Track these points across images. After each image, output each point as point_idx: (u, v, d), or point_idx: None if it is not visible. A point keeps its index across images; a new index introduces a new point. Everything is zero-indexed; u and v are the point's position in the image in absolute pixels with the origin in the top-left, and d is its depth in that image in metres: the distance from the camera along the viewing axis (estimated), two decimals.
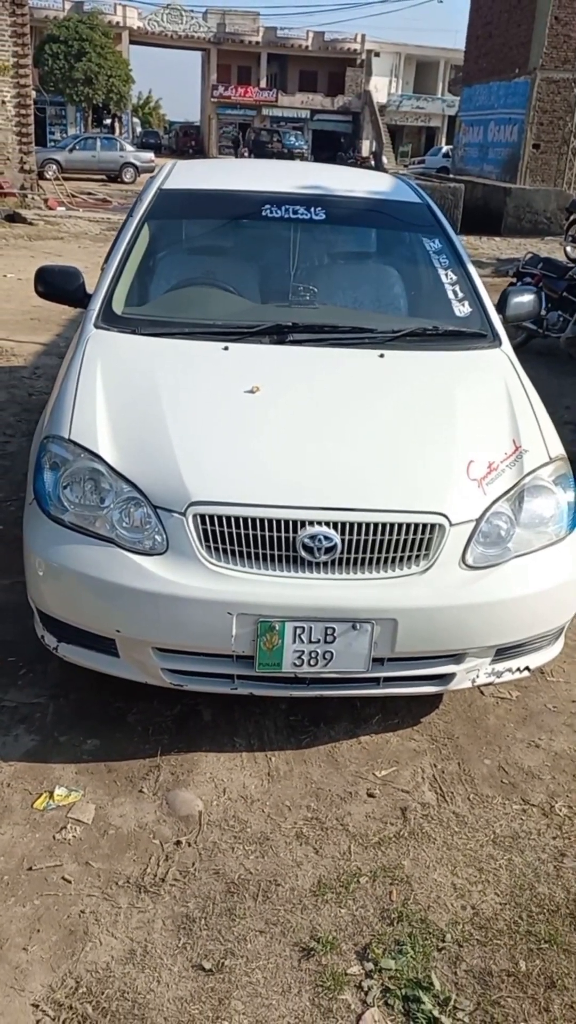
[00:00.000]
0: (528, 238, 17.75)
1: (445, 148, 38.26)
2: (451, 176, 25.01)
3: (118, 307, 3.24)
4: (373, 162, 35.78)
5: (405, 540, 2.45)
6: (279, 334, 3.13)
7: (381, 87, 50.21)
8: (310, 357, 3.06)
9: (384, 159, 35.14)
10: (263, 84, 52.14)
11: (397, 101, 50.50)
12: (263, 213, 3.62)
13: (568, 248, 13.83)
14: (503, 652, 2.63)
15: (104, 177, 27.98)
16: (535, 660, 2.72)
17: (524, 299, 3.62)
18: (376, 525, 2.43)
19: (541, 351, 7.96)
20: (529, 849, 2.36)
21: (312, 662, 2.43)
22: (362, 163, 38.98)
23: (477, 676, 2.63)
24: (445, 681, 2.60)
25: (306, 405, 2.78)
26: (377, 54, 51.30)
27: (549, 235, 17.79)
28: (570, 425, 6.10)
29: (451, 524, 2.48)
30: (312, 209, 3.63)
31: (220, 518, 2.40)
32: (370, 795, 2.52)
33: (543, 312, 7.65)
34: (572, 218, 13.87)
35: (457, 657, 2.55)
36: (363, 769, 2.62)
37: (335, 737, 2.74)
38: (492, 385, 3.04)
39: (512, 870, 2.29)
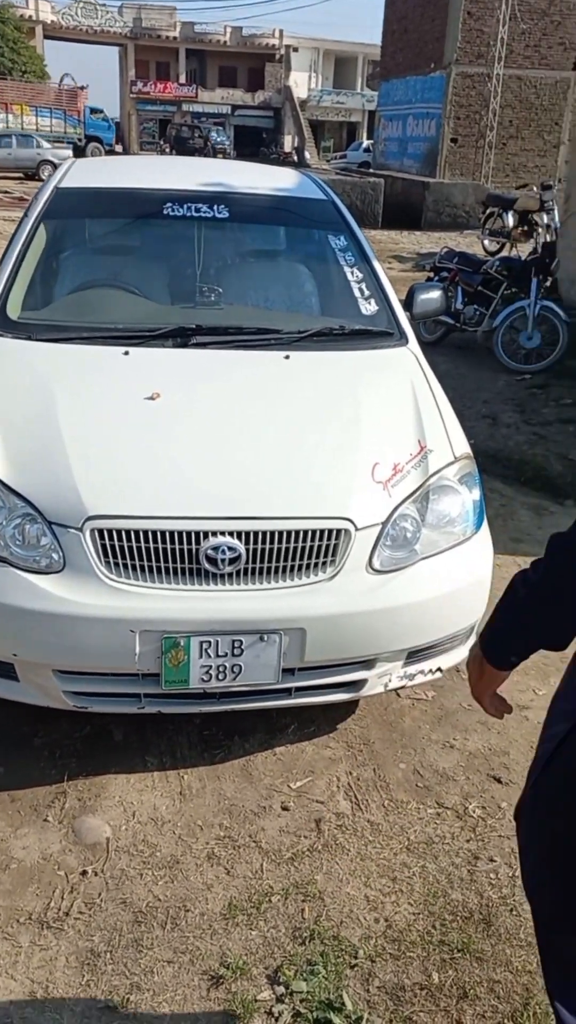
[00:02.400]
0: (448, 232, 17.94)
1: (366, 143, 38.50)
2: (372, 171, 25.18)
3: (13, 312, 3.12)
4: (296, 157, 35.81)
5: (311, 547, 2.40)
6: (182, 337, 3.05)
7: (301, 82, 50.24)
8: (214, 360, 2.99)
9: (307, 154, 35.24)
10: (182, 80, 51.71)
11: (317, 96, 50.63)
12: (165, 212, 3.53)
13: (485, 241, 14.05)
14: (415, 654, 2.60)
15: (21, 175, 27.37)
16: (447, 660, 2.71)
17: (430, 296, 3.61)
18: (281, 533, 2.37)
19: (460, 345, 8.02)
20: (443, 854, 2.34)
21: (220, 676, 2.36)
22: (285, 158, 38.96)
23: (389, 680, 2.60)
24: (357, 687, 2.57)
25: (208, 411, 2.71)
26: (296, 49, 51.32)
27: (468, 228, 18.01)
28: (488, 419, 6.15)
29: (357, 529, 2.44)
30: (215, 207, 3.55)
31: (119, 532, 2.31)
32: (284, 808, 2.47)
33: (460, 306, 7.71)
34: (489, 212, 14.06)
35: (368, 663, 2.52)
36: (278, 781, 2.57)
37: (250, 750, 2.68)
38: (398, 384, 3.01)
39: (426, 877, 2.26)
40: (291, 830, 2.39)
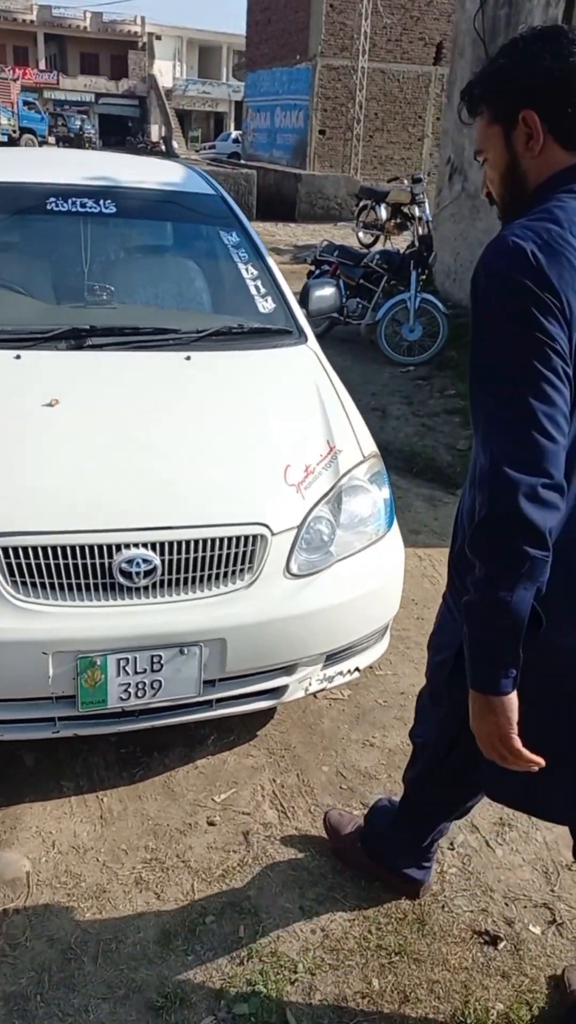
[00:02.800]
0: (322, 223, 18.09)
1: (235, 133, 38.36)
2: (243, 162, 25.09)
3: None
4: (164, 147, 35.30)
5: (227, 555, 2.35)
6: (77, 339, 2.92)
7: (165, 71, 49.56)
8: (112, 363, 2.88)
9: (175, 144, 34.75)
10: (42, 66, 50.05)
11: (183, 86, 50.05)
12: (48, 207, 3.37)
13: (360, 234, 14.22)
14: (333, 656, 2.59)
15: None
16: (364, 659, 2.71)
17: (325, 293, 3.60)
18: (196, 542, 2.30)
19: (344, 338, 8.08)
20: None
21: (140, 694, 2.28)
22: (152, 148, 38.38)
23: (310, 684, 2.58)
24: (278, 694, 2.53)
25: (112, 417, 2.60)
26: (159, 37, 50.58)
27: (341, 220, 18.22)
28: (377, 412, 6.22)
29: (273, 533, 2.40)
30: (102, 202, 3.41)
31: (25, 549, 2.19)
32: (211, 823, 2.41)
33: (343, 300, 7.77)
34: (361, 204, 14.24)
35: (289, 668, 2.48)
36: (201, 796, 2.50)
37: (170, 765, 2.60)
38: (302, 384, 2.98)
39: (358, 882, 2.25)
40: (219, 846, 2.34)
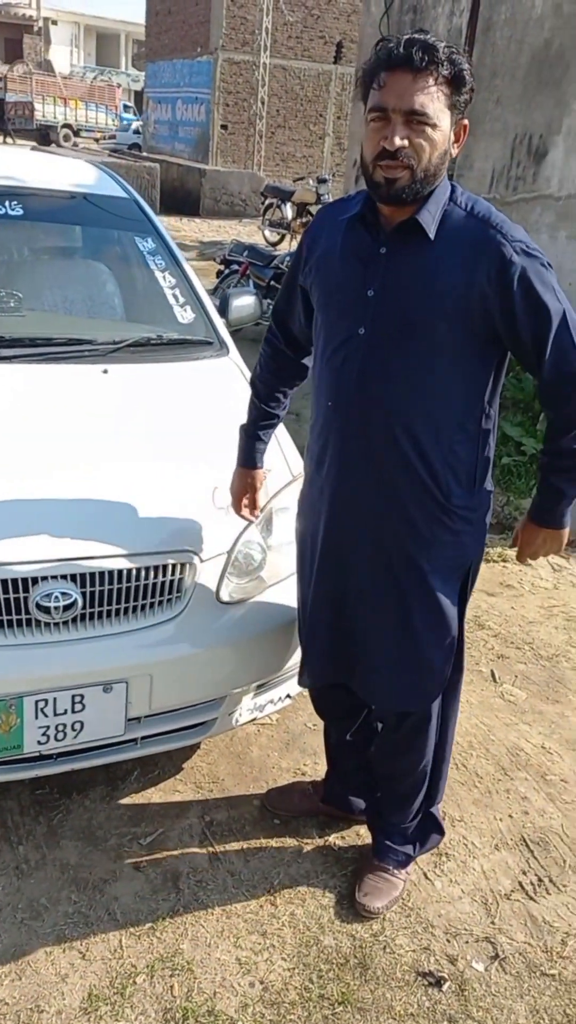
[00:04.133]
0: (227, 220, 17.94)
1: (136, 124, 37.64)
2: (145, 155, 24.62)
3: None
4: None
5: (154, 584, 2.21)
6: None
7: (63, 58, 48.22)
8: (23, 376, 2.68)
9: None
10: None
11: (81, 73, 48.76)
12: None
13: (266, 232, 14.15)
14: (264, 684, 2.49)
15: None
16: (295, 685, 2.61)
17: (246, 302, 3.50)
18: (120, 572, 2.16)
19: (255, 338, 7.94)
20: (310, 896, 2.25)
21: (60, 736, 2.12)
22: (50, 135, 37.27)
23: (240, 715, 2.47)
24: (207, 727, 2.41)
25: (26, 437, 2.42)
26: (55, 22, 49.20)
27: (246, 217, 18.11)
28: (291, 414, 6.13)
29: (201, 560, 2.27)
30: (7, 204, 3.19)
31: None
32: (137, 869, 2.27)
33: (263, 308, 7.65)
34: (267, 202, 14.17)
35: (218, 701, 2.37)
36: (126, 840, 2.36)
37: (91, 807, 2.45)
38: (226, 400, 2.85)
39: (296, 926, 2.15)
40: (147, 894, 2.20)
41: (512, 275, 1.71)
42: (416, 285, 1.76)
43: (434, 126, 1.66)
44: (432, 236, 1.75)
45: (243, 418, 2.83)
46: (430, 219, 1.75)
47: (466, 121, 1.75)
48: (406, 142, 1.66)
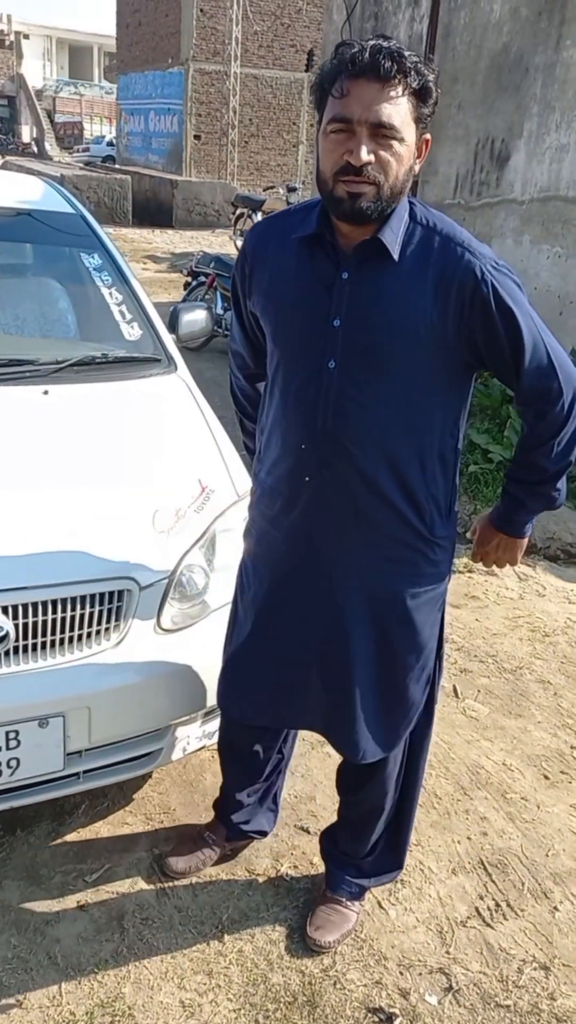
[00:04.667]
0: (199, 230, 17.92)
1: (109, 136, 37.62)
2: (118, 166, 24.60)
3: None
4: (36, 149, 34.27)
5: (91, 613, 2.14)
6: None
7: (35, 71, 48.20)
8: None
9: (47, 145, 33.78)
10: None
11: (54, 86, 48.78)
12: None
13: (238, 242, 14.09)
14: (213, 711, 2.42)
15: None
16: None
17: (195, 317, 3.43)
18: (54, 602, 2.09)
19: (223, 349, 7.91)
20: (259, 931, 2.18)
21: None
22: (24, 149, 37.29)
23: (188, 744, 2.40)
24: (153, 758, 2.34)
25: None
26: (27, 36, 49.16)
27: (219, 227, 18.10)
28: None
29: (141, 587, 2.21)
30: None
31: None
32: (81, 908, 2.20)
33: (220, 311, 7.61)
34: (238, 212, 14.14)
35: (163, 730, 2.30)
36: (71, 877, 2.28)
37: (35, 844, 2.37)
38: (171, 419, 2.80)
39: (243, 963, 2.09)
40: (90, 935, 2.13)
41: (486, 293, 1.62)
42: (386, 313, 1.65)
43: (401, 140, 1.55)
44: (396, 257, 1.64)
45: (188, 437, 2.79)
46: (393, 238, 1.64)
47: (428, 135, 1.62)
48: (372, 157, 1.54)
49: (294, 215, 1.81)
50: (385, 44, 1.51)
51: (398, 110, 1.53)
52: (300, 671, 1.94)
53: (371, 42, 1.52)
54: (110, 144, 34.90)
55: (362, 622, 1.85)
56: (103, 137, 38.02)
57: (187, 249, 14.81)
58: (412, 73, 1.52)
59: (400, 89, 1.52)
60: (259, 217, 13.46)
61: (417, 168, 1.65)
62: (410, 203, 1.69)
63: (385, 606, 1.84)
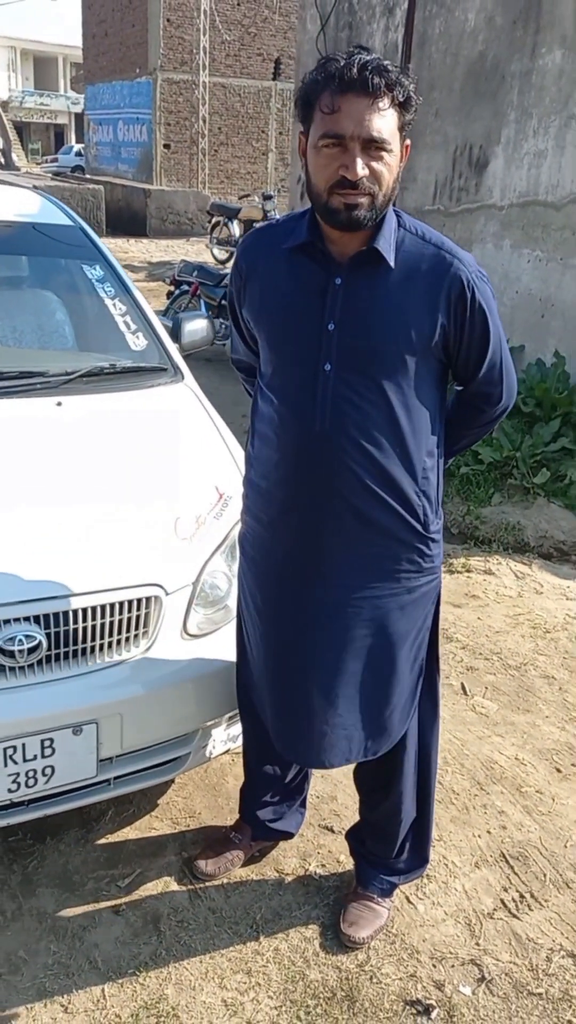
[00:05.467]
0: (174, 239, 17.94)
1: (77, 146, 37.49)
2: (88, 176, 24.54)
3: None
4: (3, 159, 34.05)
5: (120, 621, 2.17)
6: None
7: (0, 83, 47.93)
8: None
9: (15, 157, 33.58)
10: None
11: (20, 97, 48.49)
12: None
13: (215, 250, 14.16)
14: (235, 714, 2.45)
15: None
16: None
17: (198, 326, 3.48)
18: (84, 611, 2.12)
19: (210, 358, 7.91)
20: (292, 930, 2.21)
21: (31, 783, 2.07)
22: None
23: (214, 747, 2.43)
24: (181, 762, 2.37)
25: None
26: None
27: (193, 236, 18.13)
28: (248, 433, 6.11)
29: (167, 593, 2.24)
30: None
31: None
32: (117, 913, 2.22)
33: (215, 331, 7.64)
34: (214, 221, 14.20)
35: (191, 735, 2.33)
36: (104, 883, 2.31)
37: (66, 851, 2.39)
38: (182, 427, 2.83)
39: (280, 961, 2.12)
40: (128, 939, 2.15)
41: (469, 301, 1.73)
42: (381, 317, 1.73)
43: (391, 151, 1.62)
44: (392, 264, 1.71)
45: (201, 445, 2.83)
46: (388, 247, 1.71)
47: (408, 141, 1.71)
48: (367, 171, 1.61)
49: (283, 226, 1.88)
50: (369, 59, 1.58)
51: (387, 123, 1.61)
52: (294, 669, 1.98)
53: (356, 56, 1.58)
54: (79, 154, 34.77)
55: (358, 620, 1.89)
56: (72, 147, 37.87)
57: (163, 258, 14.84)
58: (398, 86, 1.60)
59: (387, 102, 1.59)
60: (235, 225, 13.56)
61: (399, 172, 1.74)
62: (396, 212, 1.78)
63: (383, 603, 1.89)
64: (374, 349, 1.74)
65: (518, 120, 6.37)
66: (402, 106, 1.62)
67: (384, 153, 1.62)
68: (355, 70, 1.56)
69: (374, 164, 1.62)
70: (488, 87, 6.64)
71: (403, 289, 1.73)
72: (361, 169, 1.61)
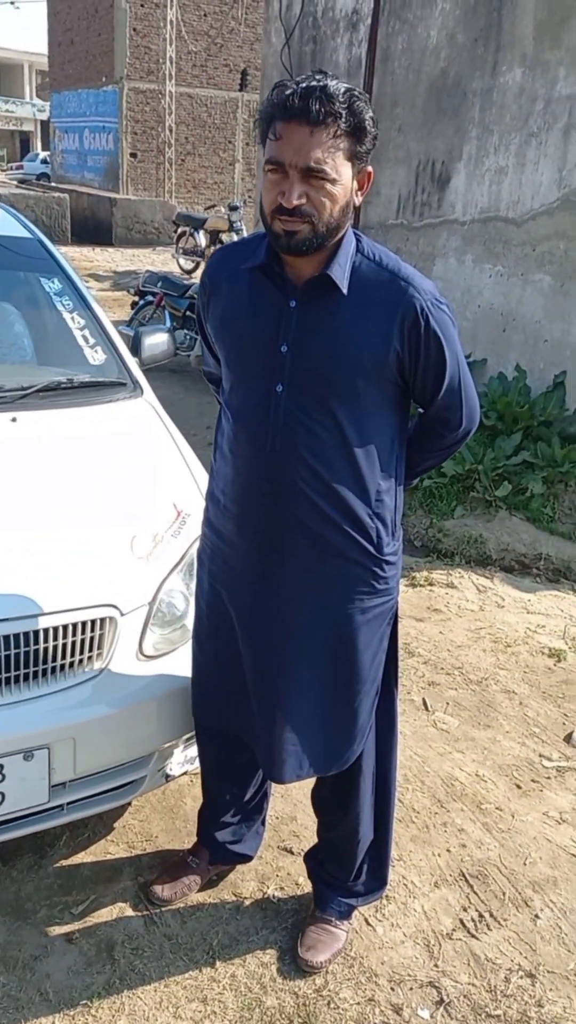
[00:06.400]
0: (140, 248, 17.88)
1: (43, 154, 37.27)
2: (54, 184, 24.41)
3: None
4: None
5: (73, 643, 2.13)
6: None
7: None
8: None
9: None
10: None
11: None
12: None
13: (180, 260, 14.14)
14: (193, 736, 2.42)
15: None
16: None
17: (158, 340, 3.45)
18: (36, 632, 2.07)
19: (175, 369, 7.91)
20: (250, 955, 2.18)
21: None
22: None
23: (172, 769, 2.40)
24: (138, 785, 2.33)
25: None
26: None
27: (159, 245, 18.08)
28: (212, 445, 6.08)
29: (122, 614, 2.21)
30: None
31: None
32: (70, 941, 2.18)
33: (175, 345, 7.61)
34: (180, 231, 14.17)
35: (146, 758, 2.30)
36: (56, 911, 2.26)
37: (18, 879, 2.34)
38: (140, 443, 2.80)
39: (237, 988, 2.09)
40: (81, 968, 2.11)
41: (423, 328, 1.72)
42: (332, 342, 1.73)
43: (334, 181, 1.60)
44: (345, 291, 1.71)
45: (159, 461, 2.80)
46: (341, 273, 1.71)
47: (370, 168, 1.69)
48: (304, 199, 1.60)
49: (248, 244, 1.88)
50: (317, 84, 1.55)
51: (329, 153, 1.58)
52: (248, 683, 1.99)
53: (303, 84, 1.56)
54: (44, 162, 34.57)
55: (312, 639, 1.90)
56: (37, 154, 37.64)
57: (129, 267, 14.77)
58: (344, 115, 1.56)
59: (331, 132, 1.57)
60: (200, 235, 13.54)
61: (359, 201, 1.70)
62: (356, 236, 1.77)
63: (336, 622, 1.89)
64: (326, 373, 1.74)
65: (479, 137, 6.44)
66: (352, 135, 1.59)
67: (325, 183, 1.60)
68: (298, 99, 1.54)
69: (314, 193, 1.61)
70: (450, 104, 6.70)
71: (357, 315, 1.72)
72: (297, 198, 1.60)
